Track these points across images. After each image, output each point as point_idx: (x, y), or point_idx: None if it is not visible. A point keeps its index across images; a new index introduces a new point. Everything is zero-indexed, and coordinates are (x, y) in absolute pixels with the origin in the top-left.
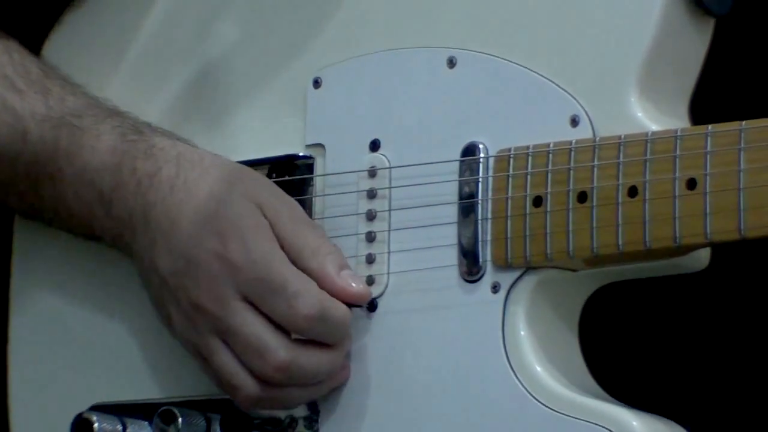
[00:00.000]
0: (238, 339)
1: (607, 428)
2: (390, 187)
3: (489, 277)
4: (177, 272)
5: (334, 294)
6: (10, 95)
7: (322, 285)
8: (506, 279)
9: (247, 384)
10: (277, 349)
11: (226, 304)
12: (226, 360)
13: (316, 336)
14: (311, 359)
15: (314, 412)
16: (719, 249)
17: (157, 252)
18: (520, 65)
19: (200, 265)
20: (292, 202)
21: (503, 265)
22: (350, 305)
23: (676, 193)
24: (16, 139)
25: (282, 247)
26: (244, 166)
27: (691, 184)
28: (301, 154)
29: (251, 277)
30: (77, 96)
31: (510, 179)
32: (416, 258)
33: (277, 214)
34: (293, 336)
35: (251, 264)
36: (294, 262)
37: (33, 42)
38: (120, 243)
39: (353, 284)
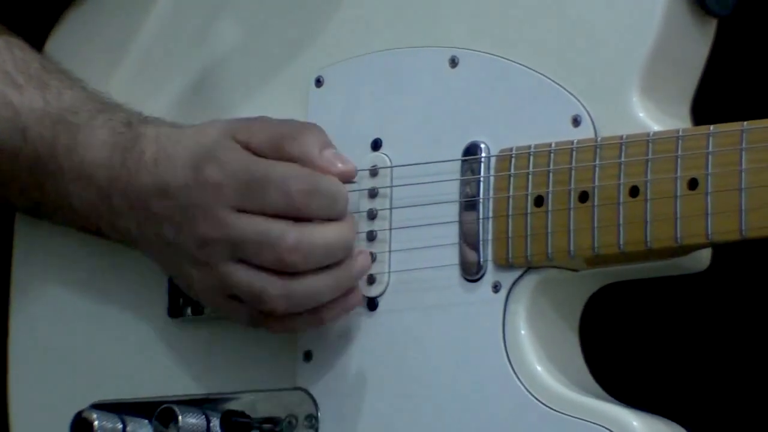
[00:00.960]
0: (246, 245)
1: (607, 428)
2: (391, 186)
3: (490, 276)
4: (177, 227)
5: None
6: (9, 91)
7: (306, 167)
8: (507, 278)
9: (269, 283)
10: (284, 232)
11: (223, 222)
12: (244, 274)
13: (317, 212)
14: (320, 232)
15: (314, 411)
16: (720, 250)
17: (160, 225)
18: (522, 65)
19: (190, 202)
20: (262, 116)
21: (504, 264)
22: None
23: (678, 193)
24: (16, 136)
25: (265, 154)
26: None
27: (693, 184)
28: None
29: (235, 186)
30: (74, 90)
31: (511, 179)
32: (417, 257)
33: (249, 129)
34: None
35: (230, 175)
36: (278, 158)
37: (36, 39)
38: (128, 237)
39: (337, 163)
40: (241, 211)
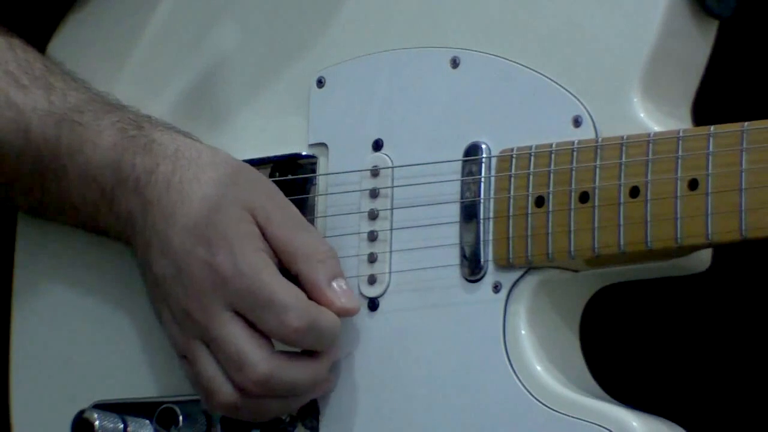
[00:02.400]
0: (220, 350)
1: (607, 428)
2: (392, 187)
3: (490, 276)
4: (168, 277)
5: (322, 305)
6: (13, 91)
7: (311, 293)
8: (507, 279)
9: (224, 391)
10: (257, 363)
11: (212, 314)
12: (207, 365)
13: (304, 346)
14: (291, 372)
15: (314, 411)
16: (721, 250)
17: (152, 254)
18: (524, 66)
19: (189, 275)
20: (286, 204)
21: (505, 264)
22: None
23: (678, 194)
24: (20, 135)
25: (275, 252)
26: (242, 164)
27: (693, 184)
28: (304, 153)
29: (239, 289)
30: (79, 91)
31: (512, 179)
32: (418, 257)
33: (269, 219)
34: (277, 346)
35: (239, 276)
36: (287, 267)
37: (38, 42)
38: (123, 238)
39: (342, 298)
40: (234, 311)
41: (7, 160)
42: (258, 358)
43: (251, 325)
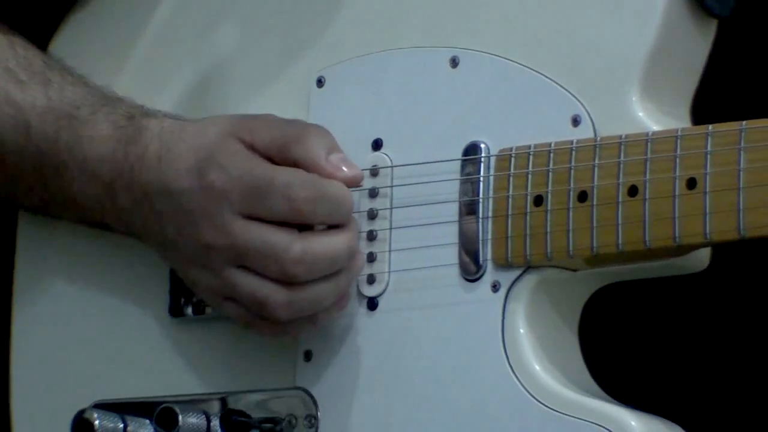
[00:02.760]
0: (250, 253)
1: (606, 428)
2: (391, 186)
3: (489, 276)
4: (182, 230)
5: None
6: (12, 88)
7: (312, 171)
8: (506, 278)
9: (273, 292)
10: (288, 244)
11: (228, 229)
12: (247, 281)
13: (321, 218)
14: (324, 243)
15: (314, 411)
16: (719, 249)
17: (164, 223)
18: (523, 65)
19: (195, 207)
20: (266, 114)
21: (503, 264)
22: None
23: (676, 193)
24: (20, 133)
25: (269, 155)
26: (219, 114)
27: (691, 183)
28: None
29: (239, 192)
30: (76, 85)
31: (511, 178)
32: (417, 257)
33: (252, 130)
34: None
35: (235, 181)
36: (285, 161)
37: (40, 41)
38: (132, 229)
39: (343, 168)
40: (246, 217)
41: (10, 158)
42: (288, 240)
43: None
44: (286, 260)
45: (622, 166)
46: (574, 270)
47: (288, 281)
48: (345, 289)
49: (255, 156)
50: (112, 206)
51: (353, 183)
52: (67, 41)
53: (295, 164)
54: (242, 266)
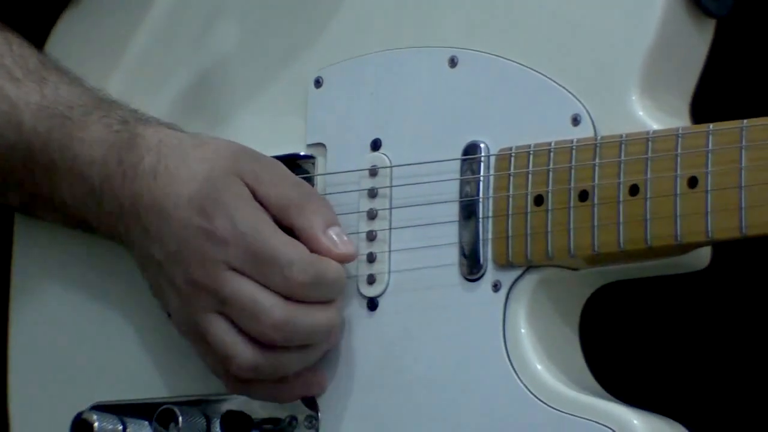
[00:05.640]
0: (234, 305)
1: (608, 427)
2: (391, 186)
3: (490, 275)
4: (170, 256)
5: (321, 254)
6: (6, 84)
7: (308, 244)
8: (507, 278)
9: (243, 351)
10: (273, 307)
11: (219, 276)
12: (222, 331)
13: (312, 299)
14: (307, 316)
15: (314, 411)
16: (720, 248)
17: (150, 240)
18: (522, 64)
19: (190, 245)
20: (273, 162)
21: (504, 263)
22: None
23: (677, 192)
24: (12, 129)
25: (267, 209)
26: (223, 140)
27: (692, 182)
28: (302, 153)
29: (241, 251)
30: (71, 85)
31: (511, 178)
32: (417, 257)
33: (258, 179)
34: None
35: (240, 236)
36: (281, 222)
37: (35, 40)
38: (115, 234)
39: (339, 245)
40: (239, 271)
41: (1, 153)
42: (272, 303)
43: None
44: (266, 323)
45: (622, 165)
46: (575, 269)
47: (263, 343)
48: (311, 362)
49: (261, 211)
50: (97, 209)
51: (347, 261)
52: (62, 41)
53: (291, 228)
54: (223, 314)
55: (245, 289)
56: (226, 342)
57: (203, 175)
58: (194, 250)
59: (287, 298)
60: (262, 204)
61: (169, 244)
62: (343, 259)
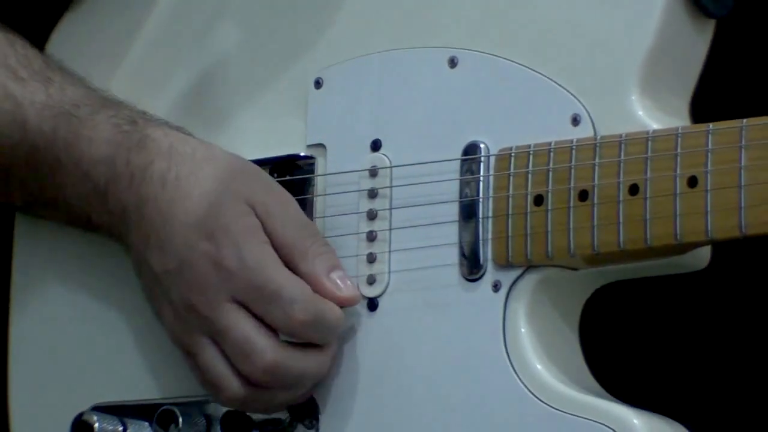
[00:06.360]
0: (227, 340)
1: (609, 426)
2: (391, 186)
3: (490, 275)
4: (169, 272)
5: (324, 297)
6: (11, 84)
7: (312, 287)
8: (507, 278)
9: (232, 385)
10: (265, 350)
11: (218, 306)
12: (213, 360)
13: (309, 339)
14: (299, 361)
15: (314, 411)
16: (720, 247)
17: (150, 249)
18: (522, 65)
19: (193, 268)
20: (285, 198)
21: (504, 263)
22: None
23: (677, 191)
24: (16, 127)
25: (274, 247)
26: (238, 158)
27: (692, 181)
28: (302, 154)
29: (245, 284)
30: (77, 86)
31: (511, 178)
32: (417, 257)
33: (269, 213)
34: (282, 338)
35: (245, 269)
36: (286, 263)
37: (36, 41)
38: (116, 235)
39: (342, 288)
40: (239, 303)
41: (4, 152)
42: (265, 345)
43: (256, 318)
44: (257, 364)
45: (622, 164)
46: (575, 269)
47: (249, 381)
48: (298, 399)
49: (268, 245)
50: (101, 208)
51: (350, 305)
52: (62, 43)
53: (295, 271)
54: (215, 340)
55: (241, 326)
56: (215, 372)
57: (215, 196)
58: (197, 274)
59: (286, 333)
60: (269, 237)
61: (169, 259)
62: (346, 303)
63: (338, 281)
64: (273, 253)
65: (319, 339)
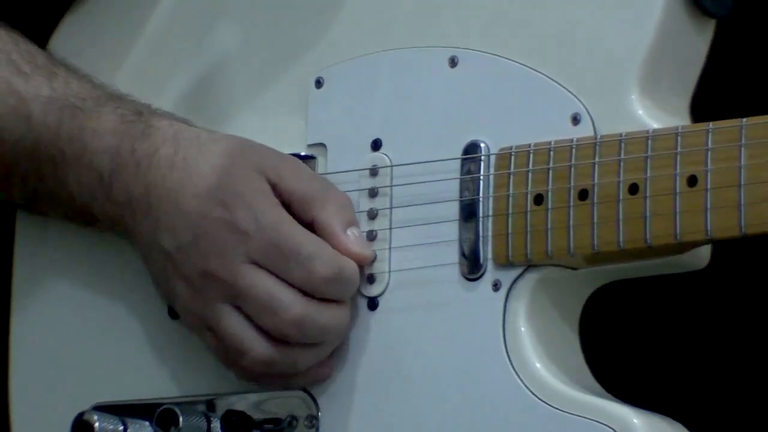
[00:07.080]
0: (249, 299)
1: (609, 426)
2: (391, 186)
3: (490, 275)
4: (183, 246)
5: (340, 251)
6: (15, 79)
7: (328, 240)
8: (507, 277)
9: (257, 345)
10: (292, 303)
11: (236, 269)
12: (235, 323)
13: (329, 295)
14: (324, 314)
15: (315, 411)
16: (720, 246)
17: (160, 231)
18: (522, 64)
19: (209, 235)
20: (292, 158)
21: (504, 263)
22: None
23: (677, 190)
24: (21, 122)
25: (290, 205)
26: (242, 138)
27: (692, 180)
28: (302, 153)
29: (263, 243)
30: (82, 81)
31: (511, 177)
32: (417, 256)
33: (280, 175)
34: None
35: (262, 230)
36: (302, 216)
37: (38, 40)
38: (119, 226)
39: (358, 246)
40: (257, 264)
41: (5, 146)
42: (291, 299)
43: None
44: (284, 318)
45: (622, 163)
46: (575, 268)
47: (276, 338)
48: (323, 358)
49: (281, 207)
50: (104, 199)
51: (364, 262)
52: (65, 41)
53: (311, 223)
54: (236, 306)
55: (264, 284)
56: (239, 335)
57: (223, 168)
58: (213, 240)
59: (307, 289)
60: (282, 199)
61: (182, 235)
62: (361, 260)
63: (353, 237)
64: (287, 214)
65: (339, 294)
